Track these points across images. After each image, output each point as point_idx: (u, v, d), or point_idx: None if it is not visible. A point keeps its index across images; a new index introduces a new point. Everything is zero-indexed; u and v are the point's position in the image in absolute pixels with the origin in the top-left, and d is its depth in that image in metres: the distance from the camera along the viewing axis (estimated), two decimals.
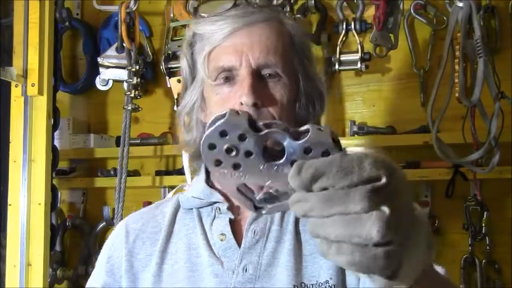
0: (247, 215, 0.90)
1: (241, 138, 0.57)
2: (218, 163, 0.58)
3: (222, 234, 0.89)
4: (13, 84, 1.80)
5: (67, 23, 2.02)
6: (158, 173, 1.96)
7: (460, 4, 1.57)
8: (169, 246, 0.91)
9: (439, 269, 0.85)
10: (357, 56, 1.73)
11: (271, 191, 0.60)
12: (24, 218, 1.77)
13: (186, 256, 0.89)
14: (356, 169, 0.49)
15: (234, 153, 0.57)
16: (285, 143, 0.56)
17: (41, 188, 1.79)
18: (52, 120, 1.85)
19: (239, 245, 0.88)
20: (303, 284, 0.84)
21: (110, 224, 1.93)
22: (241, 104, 0.84)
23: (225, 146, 0.57)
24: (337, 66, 1.75)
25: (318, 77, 0.97)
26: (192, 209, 0.95)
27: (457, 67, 1.59)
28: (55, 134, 1.91)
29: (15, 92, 1.81)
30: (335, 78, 1.88)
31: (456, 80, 1.59)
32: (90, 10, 2.10)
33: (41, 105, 1.81)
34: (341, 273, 0.85)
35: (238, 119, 0.57)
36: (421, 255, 0.54)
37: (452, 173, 1.66)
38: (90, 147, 2.01)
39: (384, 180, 0.49)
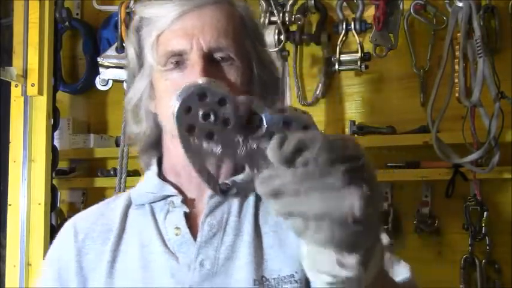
0: (203, 207, 0.86)
1: (221, 102, 0.53)
2: (191, 129, 0.53)
3: (177, 228, 0.85)
4: (13, 84, 1.81)
5: (67, 23, 2.02)
6: None
7: (460, 4, 1.57)
8: (121, 244, 0.87)
9: (403, 265, 0.84)
10: (357, 56, 1.73)
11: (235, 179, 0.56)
12: (24, 218, 1.77)
13: (139, 253, 0.85)
14: (339, 146, 0.49)
15: (211, 119, 0.52)
16: (263, 115, 0.53)
17: (40, 188, 1.79)
18: (52, 120, 1.85)
19: (195, 239, 0.84)
20: (264, 278, 0.81)
21: None
22: None
23: (203, 110, 0.52)
24: (337, 66, 1.75)
25: (271, 62, 0.93)
26: (144, 204, 0.90)
27: (457, 67, 1.59)
28: (55, 134, 1.91)
29: (15, 92, 1.81)
30: (335, 78, 1.88)
31: (456, 80, 1.59)
32: (90, 10, 2.10)
33: (40, 105, 1.81)
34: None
35: (221, 87, 0.54)
36: (381, 249, 0.54)
37: (452, 173, 1.66)
38: (90, 147, 2.01)
39: (363, 160, 0.49)
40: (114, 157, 1.88)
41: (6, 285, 1.76)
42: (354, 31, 1.75)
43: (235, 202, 0.85)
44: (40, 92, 1.79)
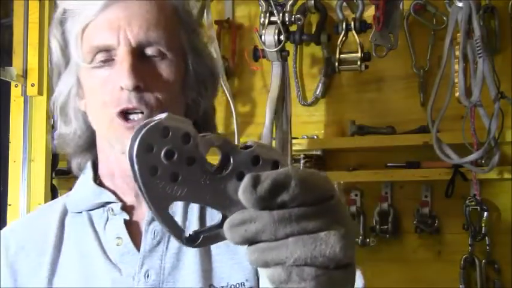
0: (143, 214, 0.80)
1: (185, 139, 0.47)
2: (154, 171, 0.47)
3: (118, 237, 0.78)
4: (13, 84, 1.80)
5: None
6: None
7: (460, 4, 1.57)
8: (59, 257, 0.80)
9: (358, 275, 0.76)
10: (357, 56, 1.73)
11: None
12: None
13: (78, 266, 0.78)
14: (312, 184, 0.45)
15: (175, 157, 0.47)
16: (230, 151, 0.48)
17: (40, 188, 1.79)
18: (52, 120, 1.85)
19: (138, 248, 0.77)
20: (212, 287, 0.76)
21: None
22: (122, 88, 0.73)
23: (165, 149, 0.47)
24: (337, 66, 1.75)
25: (208, 52, 0.86)
26: (81, 212, 0.82)
27: (457, 67, 1.59)
28: (55, 134, 1.91)
29: (15, 92, 1.81)
30: (335, 78, 1.88)
31: (456, 80, 1.59)
32: None
33: (40, 105, 1.81)
34: (255, 274, 0.77)
35: (184, 122, 0.48)
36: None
37: (452, 173, 1.66)
38: None
39: (336, 198, 0.46)
40: None
41: None
42: (354, 31, 1.75)
43: (178, 206, 0.80)
44: (40, 92, 1.79)
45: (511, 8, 1.69)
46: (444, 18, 1.73)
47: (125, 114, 0.75)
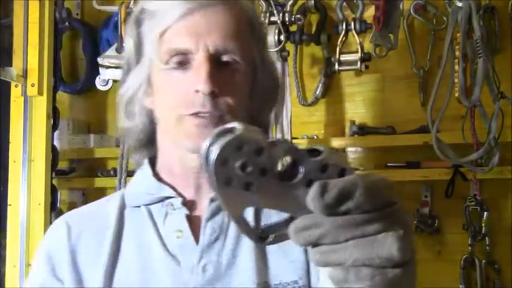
0: (202, 210, 0.83)
1: (258, 152, 0.50)
2: (229, 182, 0.50)
3: (179, 230, 0.82)
4: (13, 84, 1.81)
5: (67, 23, 2.02)
6: None
7: (460, 4, 1.57)
8: (120, 246, 0.83)
9: None
10: (357, 56, 1.73)
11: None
12: (24, 218, 1.77)
13: (137, 256, 0.82)
14: (377, 192, 0.48)
15: (249, 169, 0.50)
16: (300, 160, 0.51)
17: (40, 188, 1.79)
18: (52, 120, 1.85)
19: (197, 242, 0.81)
20: (266, 284, 0.79)
21: None
22: (197, 91, 0.77)
23: (240, 161, 0.50)
24: (337, 66, 1.75)
25: (273, 64, 0.91)
26: (139, 206, 0.86)
27: (456, 67, 1.59)
28: (55, 134, 1.91)
29: (15, 92, 1.81)
30: (335, 78, 1.88)
31: (456, 80, 1.59)
32: (90, 10, 2.10)
33: (40, 105, 1.81)
34: (308, 272, 0.81)
35: (256, 133, 0.51)
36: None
37: (452, 173, 1.66)
38: (90, 147, 2.01)
39: (398, 204, 0.49)
40: (114, 157, 1.89)
41: (6, 285, 1.76)
42: (354, 31, 1.75)
43: None
44: (40, 92, 1.80)
45: (511, 8, 1.69)
46: (444, 18, 1.72)
47: (195, 114, 0.79)
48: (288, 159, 0.51)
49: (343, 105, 1.88)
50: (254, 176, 0.50)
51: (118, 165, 1.82)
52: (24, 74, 1.79)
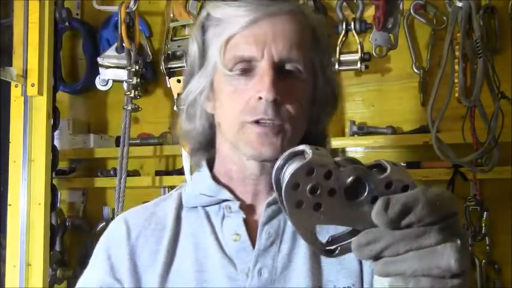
0: (258, 214, 0.85)
1: (327, 176, 0.53)
2: (300, 204, 0.54)
3: (237, 234, 0.83)
4: (13, 84, 1.80)
5: (67, 23, 2.02)
6: (158, 173, 1.96)
7: (460, 4, 1.57)
8: (177, 246, 0.85)
9: None
10: (357, 56, 1.73)
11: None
12: (24, 218, 1.77)
13: (193, 256, 0.84)
14: (438, 205, 0.50)
15: (318, 192, 0.53)
16: (366, 179, 0.53)
17: (40, 188, 1.79)
18: (52, 120, 1.85)
19: (253, 246, 0.82)
20: None
21: None
22: (260, 98, 0.79)
23: (310, 185, 0.53)
24: (337, 66, 1.75)
25: (333, 73, 0.93)
26: (197, 207, 0.89)
27: (456, 67, 1.59)
28: (55, 134, 1.91)
29: (15, 92, 1.81)
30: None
31: (456, 80, 1.59)
32: (90, 10, 2.10)
33: (40, 105, 1.81)
34: (361, 279, 0.82)
35: (324, 157, 0.54)
36: None
37: (452, 173, 1.66)
38: (90, 147, 2.01)
39: (457, 216, 0.51)
40: (114, 157, 1.89)
41: (6, 285, 1.76)
42: (354, 31, 1.75)
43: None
44: (40, 92, 1.79)
45: (511, 8, 1.69)
46: (444, 18, 1.73)
47: (257, 122, 0.80)
48: (354, 178, 0.54)
49: (343, 105, 1.88)
50: (323, 198, 0.53)
51: (118, 165, 1.82)
52: (24, 74, 1.79)
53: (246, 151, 0.82)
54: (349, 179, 0.53)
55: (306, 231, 0.56)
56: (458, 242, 0.49)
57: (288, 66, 0.81)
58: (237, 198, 0.87)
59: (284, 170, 0.55)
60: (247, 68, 0.81)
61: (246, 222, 0.84)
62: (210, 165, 0.91)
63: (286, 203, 0.54)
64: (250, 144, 0.81)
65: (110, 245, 0.88)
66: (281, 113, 0.80)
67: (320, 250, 0.57)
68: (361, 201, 0.54)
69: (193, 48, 0.88)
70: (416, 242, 0.49)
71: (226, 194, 0.86)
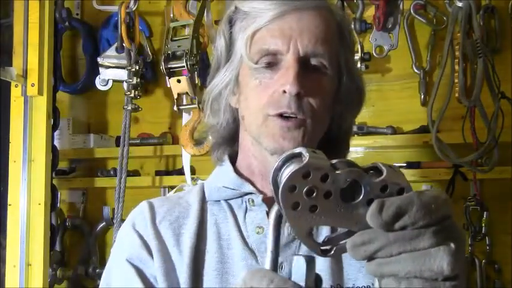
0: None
1: (324, 179, 0.54)
2: (296, 206, 0.55)
3: (260, 227, 0.83)
4: (13, 84, 1.80)
5: (67, 23, 2.02)
6: (158, 173, 1.96)
7: (460, 4, 1.57)
8: (201, 233, 0.85)
9: None
10: (357, 56, 1.73)
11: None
12: (24, 218, 1.77)
13: (216, 245, 0.84)
14: (433, 208, 0.50)
15: (314, 194, 0.54)
16: (362, 181, 0.54)
17: (40, 188, 1.79)
18: (52, 120, 1.85)
19: None
20: (339, 286, 0.81)
21: (110, 224, 1.93)
22: (284, 92, 0.79)
23: (306, 188, 0.54)
24: None
25: (358, 70, 0.93)
26: (219, 201, 0.89)
27: (457, 67, 1.59)
28: (55, 134, 1.91)
29: (15, 92, 1.81)
30: None
31: (456, 80, 1.59)
32: (90, 10, 2.10)
33: (40, 105, 1.81)
34: None
35: (321, 160, 0.55)
36: None
37: (452, 173, 1.66)
38: (90, 147, 2.01)
39: (451, 219, 0.51)
40: (114, 157, 1.88)
41: (6, 286, 1.76)
42: (354, 31, 1.75)
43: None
44: (40, 92, 1.79)
45: (511, 8, 1.69)
46: (444, 18, 1.73)
47: (281, 115, 0.80)
48: (350, 181, 0.54)
49: None
50: (319, 200, 0.54)
51: (118, 165, 1.82)
52: (24, 74, 1.79)
53: (267, 144, 0.82)
54: (345, 182, 0.54)
55: (301, 232, 0.56)
56: (452, 245, 0.50)
57: (313, 61, 0.81)
58: (259, 191, 0.86)
59: (281, 171, 0.56)
60: (272, 62, 0.81)
61: (269, 215, 0.85)
62: (232, 160, 0.92)
63: (282, 205, 0.55)
64: (272, 137, 0.81)
65: (136, 223, 0.87)
66: (304, 107, 0.80)
67: (315, 250, 0.58)
68: (357, 204, 0.54)
69: (220, 43, 0.88)
70: (410, 244, 0.49)
71: (249, 187, 0.86)
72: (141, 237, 0.85)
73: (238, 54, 0.85)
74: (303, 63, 0.80)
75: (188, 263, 0.82)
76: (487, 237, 1.67)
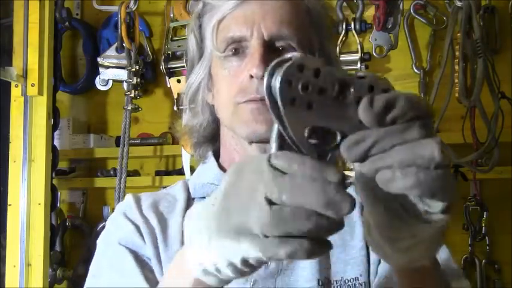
0: None
1: (317, 73, 0.55)
2: (293, 102, 0.55)
3: None
4: (13, 84, 1.81)
5: (67, 23, 2.02)
6: (158, 173, 1.96)
7: (460, 4, 1.57)
8: None
9: (444, 249, 0.89)
10: (357, 56, 1.73)
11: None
12: (24, 218, 1.77)
13: None
14: (417, 101, 0.52)
15: (309, 90, 0.55)
16: (351, 81, 0.55)
17: (40, 188, 1.79)
18: (52, 120, 1.85)
19: None
20: (327, 280, 0.80)
21: None
22: (251, 77, 0.78)
23: (301, 82, 0.54)
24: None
25: (336, 58, 0.90)
26: (205, 197, 0.87)
27: (457, 67, 1.59)
28: (55, 134, 1.91)
29: (15, 92, 1.81)
30: None
31: (456, 80, 1.59)
32: (90, 10, 2.10)
33: (40, 105, 1.81)
34: (368, 270, 0.82)
35: (310, 56, 0.56)
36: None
37: (452, 173, 1.66)
38: (90, 147, 2.01)
39: (432, 117, 0.53)
40: (114, 157, 1.89)
41: (6, 285, 1.76)
42: (354, 31, 1.75)
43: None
44: (40, 92, 1.80)
45: (511, 8, 1.69)
46: (444, 18, 1.73)
47: (250, 101, 0.79)
48: (339, 80, 0.55)
49: None
50: (314, 96, 0.55)
51: (118, 165, 1.82)
52: (24, 74, 1.79)
53: (241, 131, 0.81)
54: (336, 79, 0.55)
55: (299, 133, 0.56)
56: (439, 138, 0.52)
57: (279, 43, 0.80)
58: None
59: (275, 74, 0.56)
60: (238, 49, 0.81)
61: None
62: (216, 156, 0.91)
63: (281, 102, 0.55)
64: (245, 123, 0.80)
65: (127, 211, 0.86)
66: None
67: (312, 155, 0.57)
68: (348, 103, 0.55)
69: (192, 41, 0.88)
70: (401, 137, 0.51)
71: None
72: (134, 223, 0.84)
73: (208, 48, 0.85)
74: (270, 47, 0.79)
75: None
76: (487, 237, 1.67)
